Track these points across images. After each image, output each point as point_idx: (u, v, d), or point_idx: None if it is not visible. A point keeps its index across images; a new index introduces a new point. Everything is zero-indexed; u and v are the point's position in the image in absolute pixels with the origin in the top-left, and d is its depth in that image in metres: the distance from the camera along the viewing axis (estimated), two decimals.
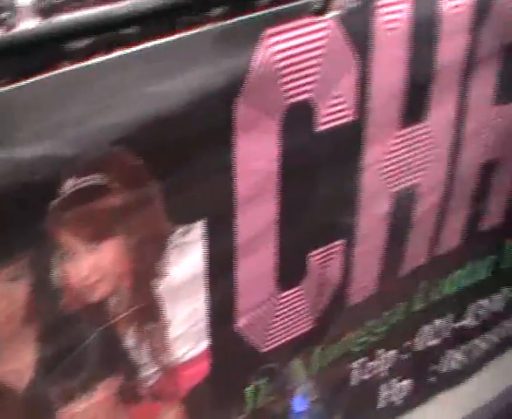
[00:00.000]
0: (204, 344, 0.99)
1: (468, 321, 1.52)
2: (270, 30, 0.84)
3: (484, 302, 1.53)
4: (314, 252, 1.06)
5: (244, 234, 0.94)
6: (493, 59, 1.16)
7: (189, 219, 0.87)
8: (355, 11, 0.91)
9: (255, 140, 0.89)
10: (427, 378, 1.51)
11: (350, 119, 0.98)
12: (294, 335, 1.11)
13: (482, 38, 1.10)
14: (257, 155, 0.90)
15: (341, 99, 0.95)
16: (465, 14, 1.05)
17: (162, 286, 0.88)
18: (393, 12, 0.96)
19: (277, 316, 1.07)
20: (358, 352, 1.29)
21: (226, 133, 0.86)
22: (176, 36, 0.77)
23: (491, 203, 1.36)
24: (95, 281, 0.83)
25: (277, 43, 0.85)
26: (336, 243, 1.09)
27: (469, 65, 1.12)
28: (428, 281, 1.34)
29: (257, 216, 0.94)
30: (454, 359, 1.55)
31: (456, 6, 1.03)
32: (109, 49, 0.75)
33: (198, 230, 0.88)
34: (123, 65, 0.75)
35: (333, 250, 1.09)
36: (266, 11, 0.84)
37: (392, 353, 1.37)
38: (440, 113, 1.12)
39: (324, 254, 1.08)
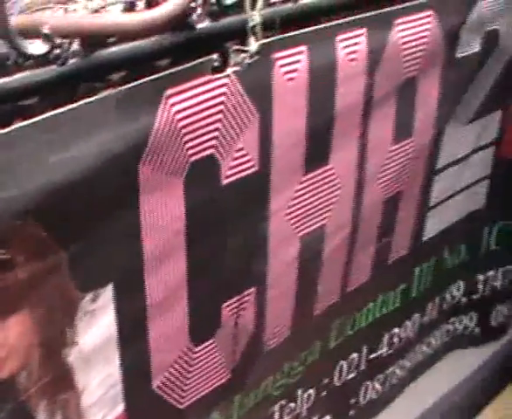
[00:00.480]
0: (121, 407, 1.00)
1: (383, 351, 1.61)
2: (170, 91, 0.88)
3: (397, 330, 1.62)
4: (227, 303, 1.10)
5: (154, 293, 0.97)
6: (390, 99, 1.25)
7: (97, 284, 0.89)
8: (253, 66, 0.97)
9: (161, 199, 0.92)
10: (347, 412, 1.58)
11: (255, 169, 1.03)
12: (211, 387, 1.14)
13: (378, 81, 1.19)
14: (163, 214, 0.93)
15: (244, 152, 1.01)
16: (360, 59, 1.14)
17: (74, 355, 0.89)
18: (291, 63, 1.03)
19: (193, 371, 1.10)
20: (278, 395, 1.34)
21: (131, 196, 0.88)
22: (78, 103, 0.80)
23: (397, 235, 1.45)
24: (4, 357, 0.83)
25: (178, 102, 0.89)
26: (248, 291, 1.13)
27: (368, 107, 1.20)
28: (342, 317, 1.41)
29: (167, 274, 0.97)
30: (372, 389, 1.63)
31: (351, 52, 1.12)
32: (8, 121, 0.77)
33: (108, 294, 0.90)
34: (23, 137, 0.76)
35: (245, 299, 1.13)
36: (166, 72, 0.88)
37: (311, 391, 1.44)
38: (343, 155, 1.19)
39: (237, 303, 1.12)
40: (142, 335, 0.98)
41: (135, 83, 0.85)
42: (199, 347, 1.09)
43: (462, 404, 1.88)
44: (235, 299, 1.11)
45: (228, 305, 1.11)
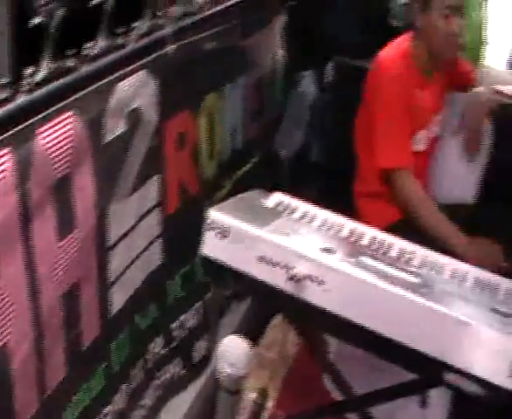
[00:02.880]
0: None
1: None
2: None
3: (107, 409, 1.69)
4: None
5: None
6: (47, 202, 1.33)
7: None
8: None
9: None
10: None
11: None
12: None
13: (32, 189, 1.26)
14: None
15: None
16: (9, 176, 1.19)
17: None
18: None
19: None
20: None
21: None
22: None
23: (86, 321, 1.53)
24: None
25: None
26: None
27: (26, 217, 1.26)
28: None
29: None
30: None
31: None
32: None
33: None
34: None
35: None
36: None
37: None
38: (9, 269, 1.23)
39: None
40: None
41: None
42: None
43: None
44: None
45: None
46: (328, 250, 1.51)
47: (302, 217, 1.68)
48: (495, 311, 1.42)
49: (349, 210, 2.34)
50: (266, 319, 2.59)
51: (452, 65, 2.47)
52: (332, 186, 2.86)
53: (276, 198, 1.75)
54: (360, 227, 1.71)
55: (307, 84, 3.18)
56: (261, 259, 1.50)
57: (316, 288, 1.44)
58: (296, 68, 3.07)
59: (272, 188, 1.82)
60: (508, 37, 4.15)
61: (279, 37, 2.82)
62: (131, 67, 1.59)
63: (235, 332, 2.44)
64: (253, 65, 2.52)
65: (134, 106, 1.62)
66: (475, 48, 3.05)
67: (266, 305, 1.96)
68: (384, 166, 2.28)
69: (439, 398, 1.74)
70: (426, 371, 1.43)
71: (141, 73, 1.63)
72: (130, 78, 1.58)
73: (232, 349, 1.34)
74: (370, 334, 1.41)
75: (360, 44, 2.91)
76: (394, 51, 2.38)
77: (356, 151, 2.47)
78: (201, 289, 2.15)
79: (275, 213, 1.68)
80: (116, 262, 1.63)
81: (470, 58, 2.80)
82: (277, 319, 2.39)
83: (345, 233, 1.66)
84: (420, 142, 2.39)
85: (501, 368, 1.31)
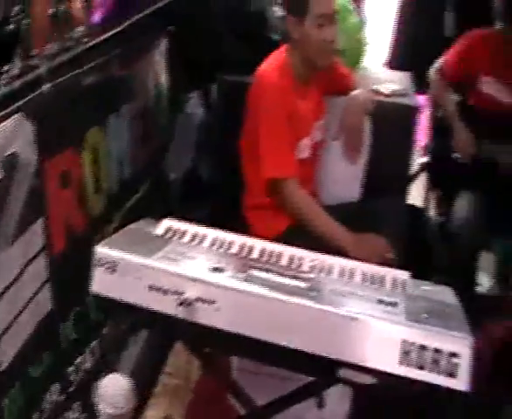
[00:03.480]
0: None
1: None
2: None
3: None
4: None
5: None
6: None
7: None
8: None
9: None
10: None
11: None
12: None
13: None
14: None
15: None
16: None
17: None
18: None
19: None
20: None
21: None
22: None
23: None
24: None
25: None
26: None
27: None
28: None
29: None
30: None
31: None
32: None
33: None
34: None
35: None
36: None
37: None
38: None
39: None
40: None
41: None
42: None
43: None
44: None
45: None
46: (217, 270, 1.57)
47: (192, 240, 1.72)
48: (382, 302, 1.51)
49: (243, 226, 2.44)
50: (167, 346, 2.61)
51: (328, 72, 2.60)
52: (224, 203, 2.93)
53: (165, 225, 1.79)
54: (250, 241, 1.76)
55: (194, 105, 3.24)
56: (151, 288, 1.54)
57: (207, 309, 1.49)
58: (182, 90, 3.13)
59: (162, 215, 1.85)
60: (385, 37, 4.39)
61: (161, 62, 2.86)
62: (4, 111, 1.58)
63: (137, 364, 2.45)
64: (136, 92, 2.54)
65: (11, 151, 1.60)
66: (353, 51, 3.20)
67: (163, 333, 1.99)
68: (270, 176, 2.37)
69: (338, 396, 1.83)
70: (322, 372, 1.51)
71: (17, 116, 1.62)
72: (4, 122, 1.57)
73: (111, 388, 1.36)
74: (265, 346, 1.47)
75: (242, 60, 3.01)
76: (272, 63, 2.48)
77: (242, 165, 2.55)
78: (96, 327, 2.15)
79: (164, 240, 1.71)
80: (1, 316, 1.61)
81: (348, 61, 2.94)
82: (179, 345, 2.42)
83: (235, 249, 1.71)
84: (304, 150, 2.50)
85: (391, 356, 1.41)
